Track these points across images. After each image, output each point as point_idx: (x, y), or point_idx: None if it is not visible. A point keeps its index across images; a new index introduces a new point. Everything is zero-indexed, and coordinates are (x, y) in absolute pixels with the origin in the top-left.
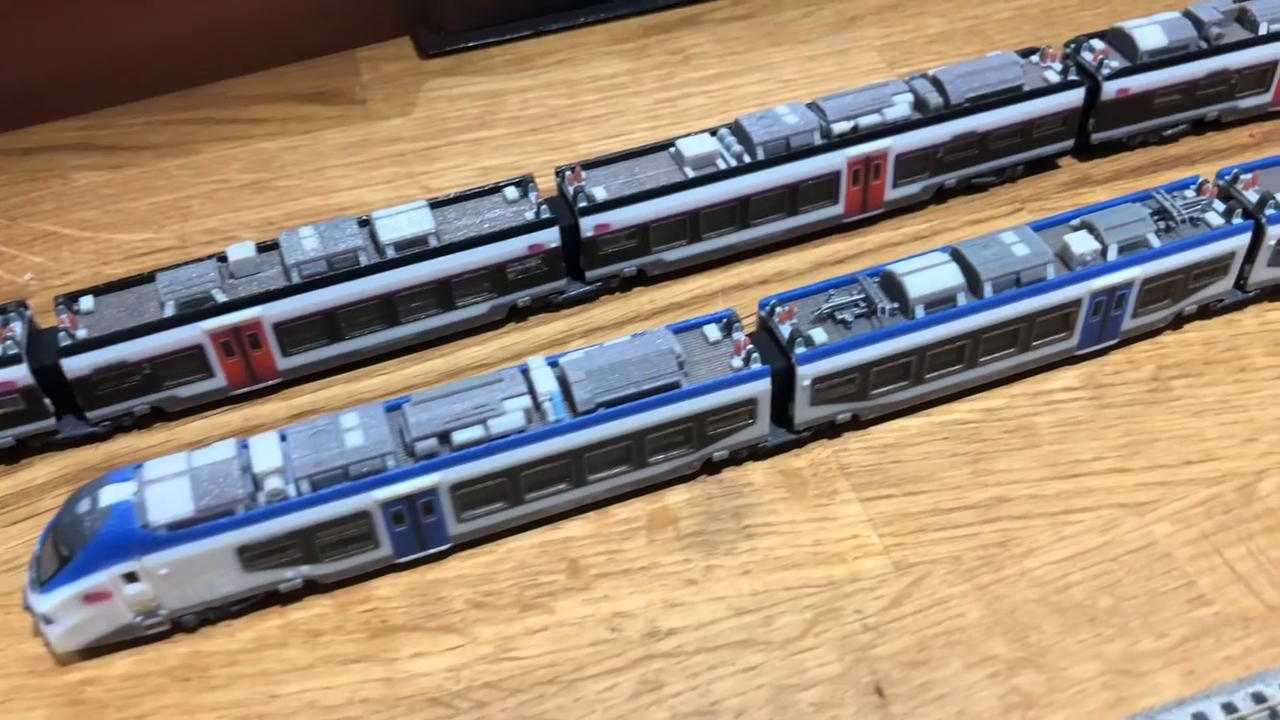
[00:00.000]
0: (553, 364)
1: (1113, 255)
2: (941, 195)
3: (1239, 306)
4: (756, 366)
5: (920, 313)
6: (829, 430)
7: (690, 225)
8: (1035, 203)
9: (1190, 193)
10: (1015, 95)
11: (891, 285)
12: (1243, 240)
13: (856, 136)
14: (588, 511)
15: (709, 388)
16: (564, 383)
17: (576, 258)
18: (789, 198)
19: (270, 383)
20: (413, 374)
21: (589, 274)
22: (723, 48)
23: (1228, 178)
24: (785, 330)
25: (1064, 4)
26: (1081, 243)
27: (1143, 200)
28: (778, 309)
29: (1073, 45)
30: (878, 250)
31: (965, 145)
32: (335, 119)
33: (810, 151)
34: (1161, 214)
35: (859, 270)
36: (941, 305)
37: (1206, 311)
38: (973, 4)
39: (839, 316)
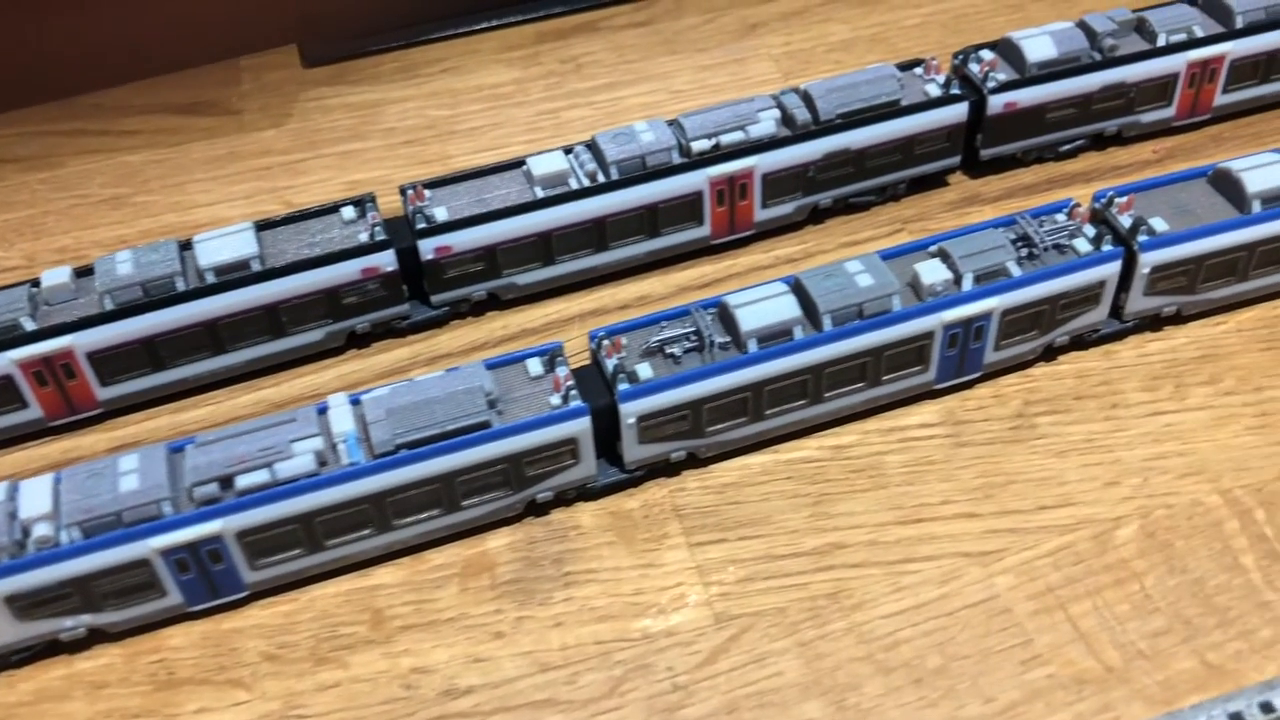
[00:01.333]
0: (355, 402)
1: (968, 285)
2: (819, 215)
3: (1117, 337)
4: (575, 404)
5: (753, 347)
6: (667, 469)
7: (542, 247)
8: (918, 223)
9: (1061, 217)
10: (892, 110)
11: (726, 317)
12: (1111, 269)
13: (718, 155)
14: (401, 557)
15: (522, 427)
16: (363, 422)
17: (420, 281)
18: (648, 219)
19: (91, 413)
20: (243, 404)
21: (434, 298)
22: (616, 56)
23: (1103, 200)
24: (610, 365)
25: (976, 10)
26: (933, 272)
27: (1006, 225)
28: (604, 342)
29: (960, 57)
30: (748, 273)
31: (839, 163)
32: (206, 131)
33: (668, 171)
34: (1024, 240)
35: (693, 301)
36: (776, 339)
37: (1082, 343)
38: (879, 10)
39: (668, 350)
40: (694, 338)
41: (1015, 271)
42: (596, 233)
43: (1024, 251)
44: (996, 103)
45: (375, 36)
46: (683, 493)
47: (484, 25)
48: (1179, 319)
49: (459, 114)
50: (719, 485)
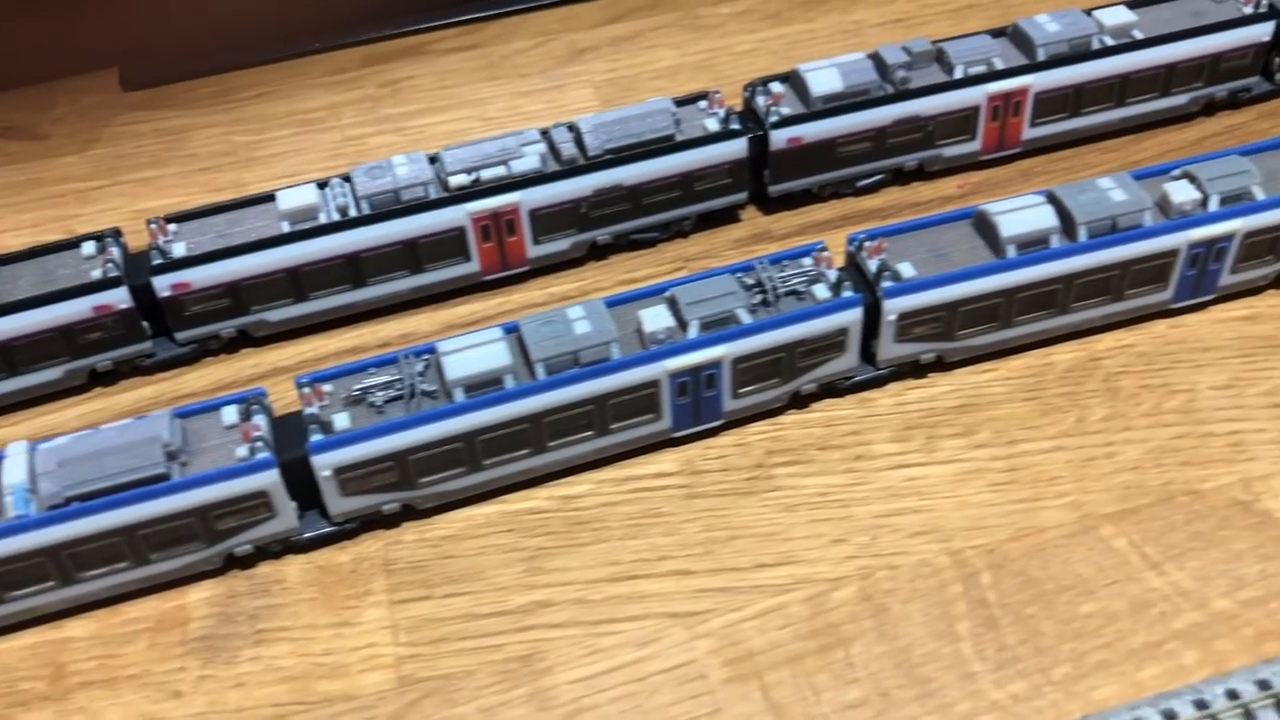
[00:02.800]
0: (34, 450)
1: (694, 332)
2: (601, 251)
3: (875, 384)
4: (261, 456)
5: (459, 396)
6: (386, 520)
7: (291, 284)
8: (703, 260)
9: (807, 261)
10: (666, 146)
11: (437, 365)
12: (850, 316)
13: (479, 190)
14: (97, 609)
15: (202, 480)
16: (34, 474)
17: (162, 317)
18: (408, 255)
19: None
20: None
21: (179, 336)
22: (437, 81)
23: (856, 244)
24: (308, 413)
25: (811, 36)
26: (656, 319)
27: (744, 271)
28: (305, 389)
29: (750, 90)
30: (520, 310)
31: (614, 199)
32: (9, 156)
33: (424, 206)
34: (760, 287)
35: (404, 349)
36: (485, 388)
37: (834, 390)
38: (712, 36)
39: (371, 399)
40: (399, 386)
41: (746, 319)
42: (351, 269)
43: (759, 298)
44: (779, 138)
45: (198, 60)
46: (398, 546)
47: (312, 48)
48: (945, 365)
49: (263, 140)
50: (437, 538)
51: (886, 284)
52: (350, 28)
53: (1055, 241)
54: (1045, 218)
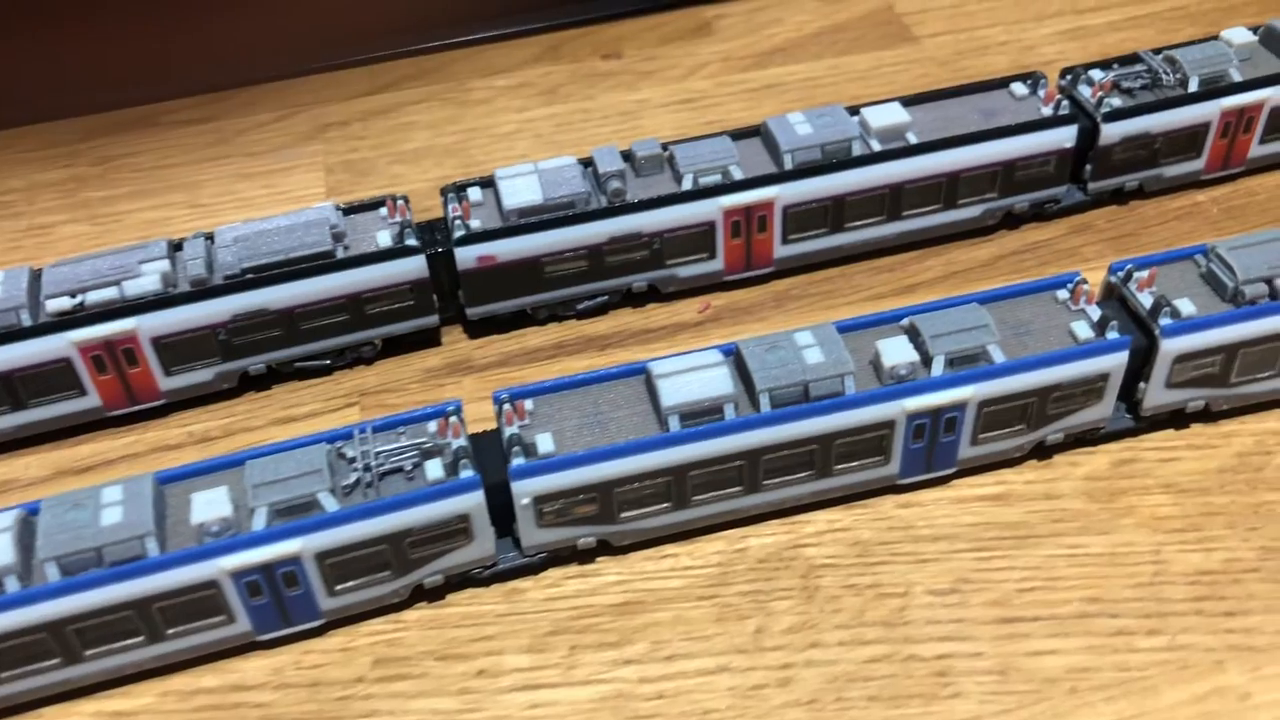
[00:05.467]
0: None
1: (260, 524)
2: (260, 380)
3: (523, 573)
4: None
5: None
6: None
7: None
8: (382, 395)
9: (432, 426)
10: (321, 265)
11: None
12: (467, 501)
13: (85, 315)
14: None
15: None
16: None
17: None
18: (5, 389)
19: None
20: None
21: None
22: (159, 157)
23: (498, 404)
24: None
25: (585, 117)
26: (209, 507)
27: (343, 439)
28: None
29: (446, 195)
30: (148, 455)
31: (261, 325)
32: None
33: (17, 335)
34: (354, 460)
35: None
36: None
37: (473, 580)
38: (474, 114)
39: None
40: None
41: (330, 507)
42: None
43: (352, 477)
44: (466, 256)
45: None
46: None
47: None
48: (615, 550)
49: None
50: None
51: (516, 463)
52: (69, 99)
53: (731, 412)
54: (718, 383)
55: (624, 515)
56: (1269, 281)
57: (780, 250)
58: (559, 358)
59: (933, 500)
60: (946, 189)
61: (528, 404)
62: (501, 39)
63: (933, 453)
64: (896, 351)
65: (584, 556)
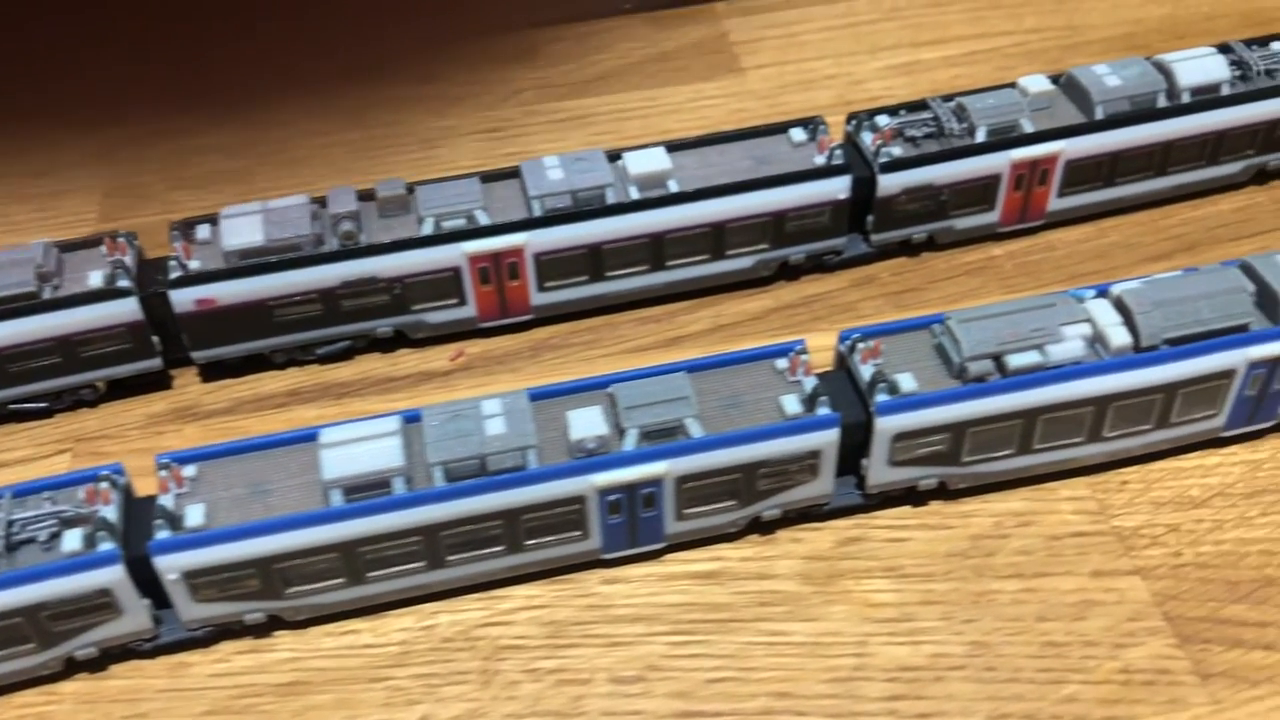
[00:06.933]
0: None
1: None
2: None
3: (173, 650)
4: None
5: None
6: None
7: None
8: (98, 442)
9: (81, 493)
10: (28, 305)
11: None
12: (109, 575)
13: None
14: None
15: None
16: None
17: None
18: None
19: None
20: None
21: None
22: None
23: (162, 463)
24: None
25: (385, 144)
26: None
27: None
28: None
29: (172, 232)
30: None
31: None
32: None
33: None
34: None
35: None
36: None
37: (133, 652)
38: (268, 138)
39: None
40: None
41: None
42: None
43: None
44: (183, 299)
45: None
46: None
47: None
48: (289, 624)
49: None
50: None
51: (159, 536)
52: None
53: (401, 486)
54: (386, 455)
55: (292, 591)
56: (998, 358)
57: (537, 298)
58: (290, 406)
59: (640, 576)
60: (713, 239)
61: (189, 469)
62: None
63: (636, 528)
64: (585, 424)
65: (259, 630)
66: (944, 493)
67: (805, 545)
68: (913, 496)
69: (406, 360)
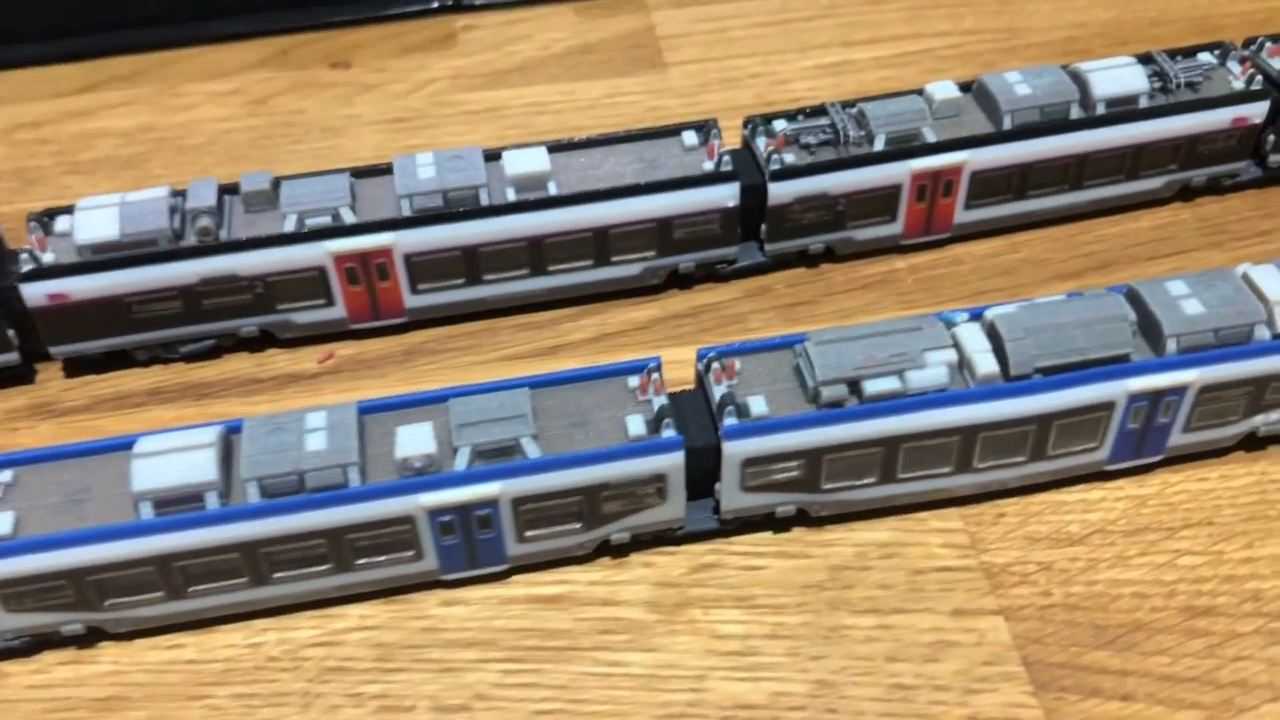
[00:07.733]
0: None
1: None
2: None
3: (7, 656)
4: None
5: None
6: None
7: None
8: None
9: None
10: None
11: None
12: None
13: None
14: None
15: None
16: None
17: None
18: None
19: None
20: None
21: None
22: None
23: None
24: None
25: (285, 130)
26: None
27: None
28: None
29: (30, 223)
30: None
31: None
32: None
33: None
34: None
35: None
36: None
37: None
38: (168, 123)
39: None
40: None
41: None
42: None
43: None
44: (35, 293)
45: None
46: None
47: None
48: (119, 636)
49: None
50: None
51: None
52: None
53: (214, 500)
54: (199, 468)
55: (110, 603)
56: (854, 383)
57: (411, 300)
58: (149, 406)
59: (480, 599)
60: (596, 245)
61: (5, 475)
62: (233, 38)
63: (474, 549)
64: (413, 441)
65: (82, 640)
66: (808, 519)
67: (656, 570)
68: (774, 522)
69: (275, 361)
